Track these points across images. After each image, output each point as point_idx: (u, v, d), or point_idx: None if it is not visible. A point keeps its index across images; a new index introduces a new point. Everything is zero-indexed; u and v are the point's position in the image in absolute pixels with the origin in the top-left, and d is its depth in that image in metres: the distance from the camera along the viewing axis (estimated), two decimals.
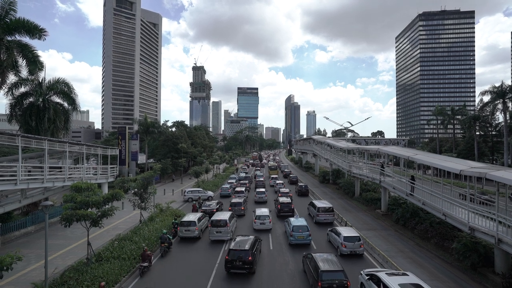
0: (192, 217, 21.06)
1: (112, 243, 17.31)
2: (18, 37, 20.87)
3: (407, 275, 11.30)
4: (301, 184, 41.53)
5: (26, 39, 21.05)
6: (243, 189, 36.61)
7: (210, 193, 36.21)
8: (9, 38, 20.15)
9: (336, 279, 11.66)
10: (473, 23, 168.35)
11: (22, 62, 21.48)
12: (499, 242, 12.53)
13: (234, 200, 28.28)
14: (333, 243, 18.53)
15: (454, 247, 15.70)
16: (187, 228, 20.03)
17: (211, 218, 20.59)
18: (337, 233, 17.97)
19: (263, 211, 23.57)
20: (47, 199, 22.66)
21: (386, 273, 11.40)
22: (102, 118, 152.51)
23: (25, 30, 20.20)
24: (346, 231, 17.79)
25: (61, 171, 23.22)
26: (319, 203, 25.62)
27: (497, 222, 12.66)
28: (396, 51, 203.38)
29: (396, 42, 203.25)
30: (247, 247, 14.92)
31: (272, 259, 16.75)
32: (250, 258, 14.38)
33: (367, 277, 11.92)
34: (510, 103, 46.24)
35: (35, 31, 20.42)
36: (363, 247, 17.06)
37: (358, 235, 17.64)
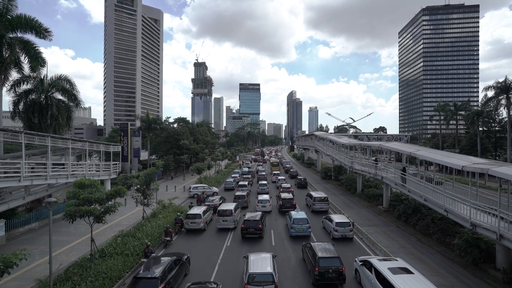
0: (197, 210, 22.23)
1: (115, 239, 17.47)
2: (20, 34, 20.92)
3: (397, 260, 12.41)
4: (300, 177, 45.02)
5: (28, 36, 21.12)
6: (246, 183, 38.47)
7: (214, 188, 37.00)
8: (11, 35, 20.17)
9: (332, 265, 12.57)
10: (478, 17, 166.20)
11: (24, 59, 21.53)
12: (500, 238, 12.53)
13: (238, 193, 30.15)
14: (327, 228, 20.69)
15: (455, 243, 15.71)
16: (192, 221, 21.20)
17: (218, 208, 22.61)
18: (330, 219, 20.13)
19: (264, 197, 28.43)
20: (51, 196, 22.86)
21: (377, 259, 12.54)
22: (104, 115, 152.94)
23: (30, 28, 20.21)
24: (338, 218, 19.95)
25: (64, 168, 23.40)
26: (315, 194, 28.43)
27: (498, 218, 12.64)
28: (399, 46, 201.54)
29: (399, 37, 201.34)
30: (257, 218, 19.75)
31: (273, 251, 16.85)
32: (260, 226, 19.33)
33: (360, 263, 13.04)
34: None
35: (40, 31, 20.45)
36: (353, 231, 19.26)
37: (349, 221, 19.61)
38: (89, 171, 26.58)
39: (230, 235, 20.62)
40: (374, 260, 12.26)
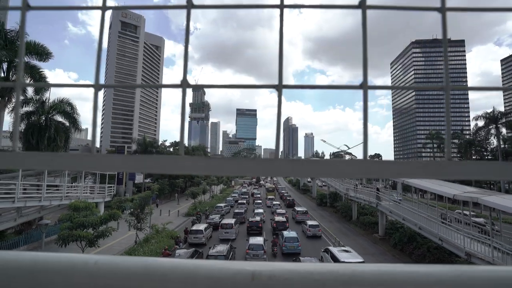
0: (200, 227, 25.63)
1: None
2: (27, 59, 21.75)
3: (344, 247, 19.55)
4: (288, 198, 53.44)
5: (34, 61, 21.95)
6: (244, 201, 45.95)
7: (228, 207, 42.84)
8: (17, 60, 20.93)
9: None
10: (464, 51, 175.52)
11: (29, 82, 22.18)
12: None
13: (237, 211, 36.12)
14: (304, 230, 28.04)
15: None
16: (195, 236, 24.18)
17: (221, 222, 27.47)
18: (306, 223, 28.52)
19: (259, 210, 36.23)
20: (42, 218, 22.41)
21: (333, 247, 19.43)
22: (101, 137, 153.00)
23: (36, 53, 21.13)
24: (311, 222, 28.45)
25: (57, 190, 23.19)
26: (298, 208, 37.74)
27: (491, 248, 12.76)
28: (391, 76, 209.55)
29: (391, 68, 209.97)
30: (258, 220, 28.77)
31: None
32: (260, 224, 28.00)
33: (323, 251, 19.06)
34: (504, 129, 47.50)
35: (43, 54, 21.38)
36: (321, 231, 27.37)
37: (318, 224, 28.26)
38: (84, 193, 26.32)
39: (230, 243, 24.24)
40: (331, 247, 18.96)
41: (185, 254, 17.63)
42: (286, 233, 23.17)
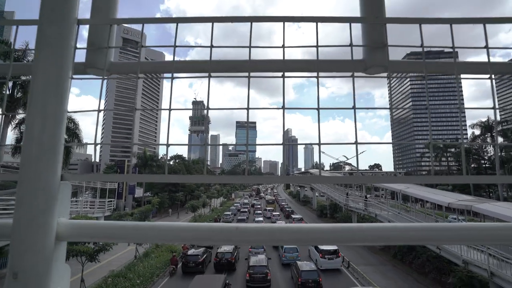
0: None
1: (105, 280, 17.03)
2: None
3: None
4: (287, 209, 55.06)
5: None
6: (246, 210, 51.50)
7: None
8: (24, 78, 21.54)
9: (311, 276, 16.02)
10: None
11: None
12: (492, 276, 12.68)
13: (239, 218, 40.49)
14: None
15: (450, 282, 15.66)
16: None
17: None
18: None
19: (259, 218, 41.95)
20: None
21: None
22: (101, 151, 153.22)
23: None
24: None
25: None
26: (294, 215, 42.05)
27: (487, 255, 12.92)
28: (388, 87, 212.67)
29: (387, 79, 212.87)
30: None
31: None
32: None
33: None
34: (500, 137, 47.96)
35: None
36: None
37: None
38: (84, 208, 26.42)
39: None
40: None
41: (198, 252, 21.04)
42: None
